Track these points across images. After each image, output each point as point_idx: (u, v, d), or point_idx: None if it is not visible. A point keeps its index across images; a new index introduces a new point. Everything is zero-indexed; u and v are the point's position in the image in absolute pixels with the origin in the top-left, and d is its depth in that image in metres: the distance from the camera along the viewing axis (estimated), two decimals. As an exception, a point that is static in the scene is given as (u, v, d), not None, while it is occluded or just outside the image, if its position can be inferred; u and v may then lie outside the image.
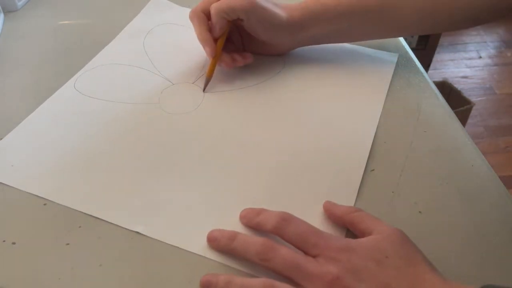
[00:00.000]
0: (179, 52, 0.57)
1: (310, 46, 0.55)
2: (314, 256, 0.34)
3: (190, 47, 0.58)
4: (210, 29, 0.50)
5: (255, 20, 0.49)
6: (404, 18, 0.51)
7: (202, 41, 0.50)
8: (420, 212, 0.41)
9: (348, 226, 0.38)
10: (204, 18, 0.50)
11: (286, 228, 0.36)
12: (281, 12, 0.50)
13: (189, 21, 0.62)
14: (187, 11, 0.64)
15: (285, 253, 0.34)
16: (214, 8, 0.48)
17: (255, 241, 0.35)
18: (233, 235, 0.36)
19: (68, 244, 0.37)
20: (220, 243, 0.36)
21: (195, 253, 0.37)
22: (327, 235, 0.35)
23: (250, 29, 0.50)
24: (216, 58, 0.51)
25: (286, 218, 0.36)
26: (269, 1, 0.50)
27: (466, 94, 1.53)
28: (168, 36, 0.59)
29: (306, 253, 0.35)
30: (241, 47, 0.55)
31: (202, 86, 0.52)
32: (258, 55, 0.54)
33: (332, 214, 0.39)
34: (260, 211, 0.38)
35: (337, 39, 0.55)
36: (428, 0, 0.49)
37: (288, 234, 0.36)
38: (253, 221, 0.38)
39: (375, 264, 0.33)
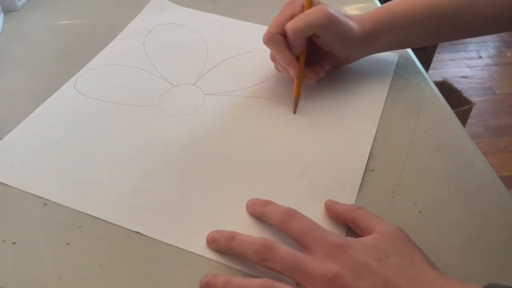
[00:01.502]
0: (179, 53, 0.57)
1: None
2: (313, 252, 0.34)
3: (190, 47, 0.58)
4: (289, 49, 0.48)
5: (331, 35, 0.47)
6: (482, 19, 0.49)
7: (287, 63, 0.47)
8: (420, 212, 0.41)
9: (349, 224, 0.38)
10: (282, 40, 0.47)
11: (289, 222, 0.36)
12: (354, 25, 0.48)
13: (189, 21, 0.62)
14: (187, 11, 0.64)
15: (284, 252, 0.34)
16: (291, 27, 0.46)
17: (253, 241, 0.35)
18: (232, 236, 0.36)
19: (68, 244, 0.37)
20: (220, 244, 0.36)
21: (195, 253, 0.37)
22: (329, 232, 0.36)
23: (324, 44, 0.49)
24: (301, 77, 0.49)
25: (291, 213, 0.37)
26: (341, 13, 0.48)
27: (466, 94, 1.53)
28: (169, 37, 0.59)
29: (306, 248, 0.35)
30: (310, 61, 0.52)
31: (202, 87, 0.52)
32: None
33: (333, 212, 0.39)
34: (267, 203, 0.39)
35: (407, 46, 0.54)
36: (504, 1, 0.47)
37: (291, 228, 0.36)
38: (259, 211, 0.39)
39: (375, 261, 0.33)
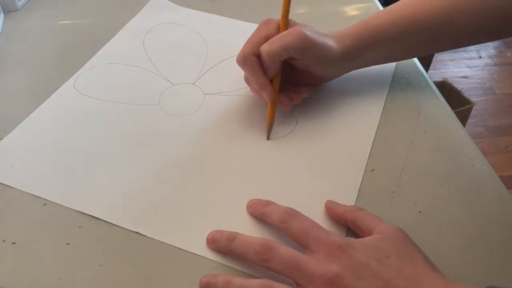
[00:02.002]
0: (179, 52, 0.57)
1: None
2: (314, 252, 0.34)
3: (190, 47, 0.58)
4: (264, 71, 0.45)
5: (309, 57, 0.45)
6: (462, 32, 0.48)
7: (260, 87, 0.45)
8: (420, 212, 0.41)
9: (349, 225, 0.38)
10: (256, 61, 0.45)
11: (290, 222, 0.36)
12: (332, 44, 0.47)
13: (189, 21, 0.62)
14: (187, 11, 0.64)
15: (284, 252, 0.34)
16: (265, 51, 0.44)
17: (254, 242, 0.35)
18: (232, 236, 0.36)
19: (68, 244, 0.37)
20: (220, 244, 0.36)
21: (195, 253, 0.37)
22: (329, 232, 0.36)
23: (302, 66, 0.47)
24: (275, 102, 0.46)
25: (291, 213, 0.37)
26: (319, 33, 0.47)
27: (466, 94, 1.53)
28: (168, 36, 0.59)
29: (306, 248, 0.35)
30: (289, 80, 0.50)
31: (202, 87, 0.52)
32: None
33: (334, 213, 0.39)
34: (267, 203, 0.39)
35: (389, 61, 0.53)
36: (488, 11, 0.46)
37: (291, 228, 0.36)
38: (259, 211, 0.39)
39: (376, 263, 0.33)
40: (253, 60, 0.45)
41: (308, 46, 0.45)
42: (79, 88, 0.51)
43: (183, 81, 0.53)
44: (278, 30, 0.46)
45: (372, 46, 0.48)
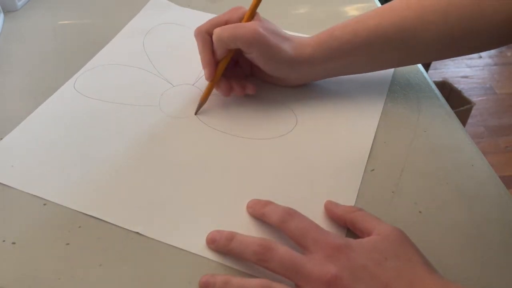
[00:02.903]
0: (179, 52, 0.57)
1: None
2: (312, 252, 0.34)
3: (190, 47, 0.57)
4: (213, 51, 0.47)
5: (256, 54, 0.46)
6: (426, 45, 0.47)
7: (203, 64, 0.48)
8: (420, 212, 0.41)
9: (349, 226, 0.38)
10: (207, 39, 0.47)
11: (289, 222, 0.36)
12: (288, 48, 0.47)
13: (189, 21, 0.62)
14: (186, 11, 0.64)
15: (283, 253, 0.34)
16: (216, 34, 0.45)
17: (252, 242, 0.35)
18: (231, 236, 0.36)
19: (68, 244, 0.37)
20: (219, 244, 0.37)
21: (194, 253, 0.37)
22: (328, 233, 0.36)
23: (253, 60, 0.48)
24: (213, 83, 0.48)
25: (291, 213, 0.37)
26: (278, 34, 0.47)
27: (466, 94, 1.53)
28: (168, 36, 0.59)
29: (305, 249, 0.35)
30: (248, 72, 0.52)
31: (203, 88, 0.52)
32: (266, 83, 0.52)
33: (333, 214, 0.39)
34: (267, 203, 0.39)
35: (352, 72, 0.52)
36: (451, 26, 0.45)
37: (290, 228, 0.36)
38: (259, 211, 0.39)
39: (374, 265, 0.33)
40: (205, 37, 0.47)
41: (257, 43, 0.45)
42: (79, 89, 0.51)
43: (183, 82, 0.53)
44: (241, 20, 0.47)
45: (333, 56, 0.48)
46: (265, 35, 0.45)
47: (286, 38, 0.48)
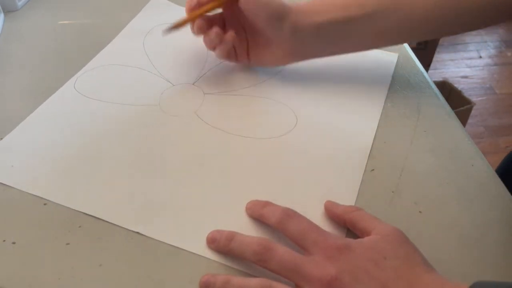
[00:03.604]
0: (179, 52, 0.57)
1: None
2: (312, 254, 0.34)
3: (190, 47, 0.58)
4: None
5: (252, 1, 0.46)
6: (414, 19, 0.47)
7: None
8: (420, 212, 0.41)
9: (348, 225, 0.38)
10: None
11: (288, 223, 0.36)
12: (280, 3, 0.46)
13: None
14: (187, 11, 0.64)
15: (283, 253, 0.34)
16: None
17: (252, 241, 0.35)
18: (231, 236, 0.36)
19: (68, 244, 0.37)
20: (219, 244, 0.37)
21: (195, 253, 0.37)
22: (328, 234, 0.36)
23: (246, 11, 0.47)
24: (191, 16, 0.48)
25: (290, 214, 0.37)
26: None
27: (466, 94, 1.53)
28: (168, 36, 0.59)
29: (305, 250, 0.35)
30: (245, 50, 0.52)
31: (202, 87, 0.52)
32: (261, 65, 0.52)
33: (333, 213, 0.39)
34: (266, 204, 0.39)
35: (352, 46, 0.50)
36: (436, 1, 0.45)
37: (289, 229, 0.36)
38: (257, 212, 0.38)
39: (373, 265, 0.33)
40: None
41: None
42: (79, 89, 0.51)
43: (183, 81, 0.53)
44: None
45: (332, 11, 0.47)
46: None
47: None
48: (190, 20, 0.49)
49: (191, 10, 0.48)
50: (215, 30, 0.48)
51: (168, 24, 0.49)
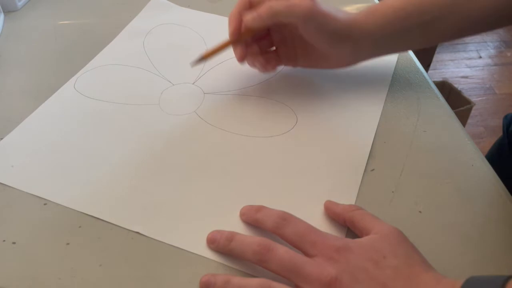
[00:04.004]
0: (179, 52, 0.57)
1: None
2: (312, 256, 0.34)
3: (190, 47, 0.58)
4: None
5: (313, 26, 0.45)
6: (482, 11, 0.47)
7: (230, 17, 0.46)
8: (420, 212, 0.41)
9: (348, 224, 0.38)
10: (245, 1, 0.46)
11: (285, 228, 0.36)
12: (342, 17, 0.46)
13: (189, 21, 0.62)
14: (187, 11, 0.64)
15: (283, 253, 0.34)
16: (269, 5, 0.44)
17: (252, 242, 0.35)
18: (231, 236, 0.36)
19: (68, 244, 0.37)
20: (219, 244, 0.36)
21: (195, 253, 0.37)
22: (325, 235, 0.36)
23: (306, 35, 0.46)
24: (232, 42, 0.47)
25: (285, 218, 0.36)
26: (331, 7, 0.46)
27: (466, 94, 1.53)
28: (168, 37, 0.59)
29: (304, 252, 0.35)
30: (293, 57, 0.51)
31: (202, 87, 0.52)
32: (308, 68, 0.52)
33: (333, 213, 0.39)
34: (260, 208, 0.38)
35: (403, 46, 0.51)
36: None
37: (286, 233, 0.36)
38: (252, 218, 0.38)
39: (373, 265, 0.33)
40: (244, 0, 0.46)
41: (313, 17, 0.44)
42: (79, 89, 0.51)
43: (183, 81, 0.53)
44: None
45: (387, 23, 0.47)
46: (321, 8, 0.45)
47: (338, 10, 0.47)
48: (227, 45, 0.48)
49: (233, 33, 0.47)
50: (259, 61, 0.48)
51: (198, 55, 0.49)
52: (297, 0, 0.44)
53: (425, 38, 0.49)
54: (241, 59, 0.48)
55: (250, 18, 0.45)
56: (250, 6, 0.47)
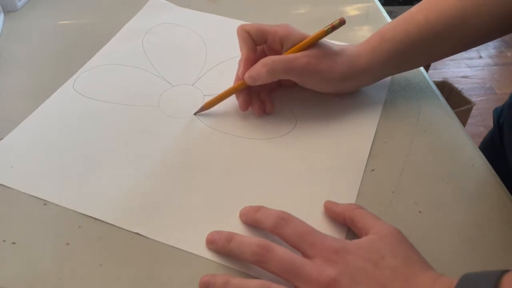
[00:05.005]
0: (178, 53, 0.57)
1: None
2: (310, 257, 0.34)
3: (189, 48, 0.58)
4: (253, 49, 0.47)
5: (311, 80, 0.47)
6: (478, 29, 0.47)
7: (241, 59, 0.47)
8: (420, 212, 0.41)
9: (348, 224, 0.38)
10: (248, 38, 0.47)
11: (284, 228, 0.36)
12: (341, 66, 0.47)
13: (188, 21, 0.62)
14: (186, 11, 0.64)
15: (282, 254, 0.34)
16: (268, 66, 0.45)
17: (251, 242, 0.35)
18: (230, 236, 0.36)
19: (68, 244, 0.37)
20: (218, 245, 0.36)
21: (194, 254, 0.37)
22: (324, 236, 0.35)
23: (304, 85, 0.48)
24: (233, 89, 0.48)
25: (284, 218, 0.36)
26: (331, 52, 0.46)
27: (466, 94, 1.53)
28: (168, 37, 0.59)
29: (302, 253, 0.35)
30: (292, 83, 0.50)
31: (202, 88, 0.52)
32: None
33: (333, 212, 0.39)
34: (259, 208, 0.38)
35: (405, 70, 0.52)
36: (503, 7, 0.45)
37: (285, 233, 0.36)
38: (251, 218, 0.38)
39: (372, 266, 0.33)
40: (246, 36, 0.47)
41: (309, 73, 0.46)
42: (78, 89, 0.51)
43: (182, 82, 0.53)
44: (290, 40, 0.46)
45: (388, 59, 0.48)
46: (317, 64, 0.45)
47: (338, 54, 0.47)
48: (229, 94, 0.48)
49: (242, 76, 0.47)
50: (257, 110, 0.48)
51: (199, 107, 0.48)
52: (293, 56, 0.45)
53: (427, 60, 0.50)
54: (245, 107, 0.48)
55: (248, 77, 0.46)
56: (257, 40, 0.47)
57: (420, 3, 0.49)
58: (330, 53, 0.46)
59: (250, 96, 0.48)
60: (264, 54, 0.48)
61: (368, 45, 0.48)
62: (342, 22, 0.44)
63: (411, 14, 0.48)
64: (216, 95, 0.48)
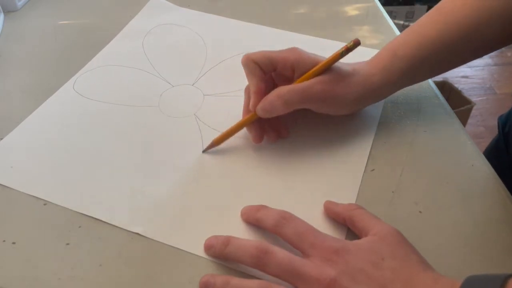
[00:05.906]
0: (178, 53, 0.57)
1: None
2: (310, 256, 0.34)
3: (189, 48, 0.58)
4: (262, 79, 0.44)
5: (326, 107, 0.45)
6: (490, 40, 0.47)
7: (251, 90, 0.44)
8: (420, 212, 0.41)
9: (348, 224, 0.38)
10: (255, 68, 0.44)
11: (284, 227, 0.36)
12: (355, 88, 0.45)
13: (188, 21, 0.62)
14: (186, 11, 0.64)
15: (281, 256, 0.34)
16: (284, 99, 0.42)
17: (249, 245, 0.35)
18: (227, 241, 0.36)
19: (68, 244, 0.37)
20: (216, 250, 0.36)
21: (194, 254, 0.37)
22: (325, 236, 0.36)
23: (322, 112, 0.46)
24: (248, 121, 0.44)
25: (286, 217, 0.36)
26: (344, 75, 0.44)
27: (466, 94, 1.53)
28: (168, 37, 0.59)
29: (302, 252, 0.35)
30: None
31: (202, 88, 0.52)
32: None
33: (333, 212, 0.39)
34: (260, 208, 0.38)
35: (419, 81, 0.50)
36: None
37: (286, 232, 0.36)
38: (253, 217, 0.38)
39: (371, 266, 0.33)
40: (253, 66, 0.44)
41: (326, 101, 0.44)
42: (78, 90, 0.51)
43: (182, 82, 0.53)
44: (301, 66, 0.44)
45: (401, 75, 0.46)
46: (332, 90, 0.43)
47: (351, 75, 0.45)
48: (238, 129, 0.45)
49: (254, 107, 0.44)
50: (273, 138, 0.46)
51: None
52: (307, 84, 0.43)
53: (440, 71, 0.49)
54: (259, 140, 0.45)
55: (261, 110, 0.43)
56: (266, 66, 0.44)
57: (432, 12, 0.47)
58: (344, 76, 0.44)
59: (262, 126, 0.45)
60: (272, 81, 0.46)
61: (379, 63, 0.46)
62: (356, 44, 0.42)
63: (423, 26, 0.46)
64: (224, 131, 0.45)
